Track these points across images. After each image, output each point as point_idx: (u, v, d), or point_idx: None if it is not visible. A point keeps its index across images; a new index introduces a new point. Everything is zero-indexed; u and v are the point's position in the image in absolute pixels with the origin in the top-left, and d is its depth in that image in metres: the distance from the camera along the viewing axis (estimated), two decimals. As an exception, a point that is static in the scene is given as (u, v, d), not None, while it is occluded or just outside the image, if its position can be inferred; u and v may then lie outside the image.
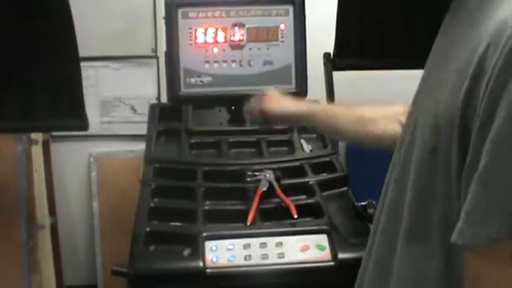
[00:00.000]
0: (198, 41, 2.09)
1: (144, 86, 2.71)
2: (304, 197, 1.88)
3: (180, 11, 2.07)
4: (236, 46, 2.11)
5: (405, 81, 2.29)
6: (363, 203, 1.79)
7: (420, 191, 0.84)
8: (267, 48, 2.12)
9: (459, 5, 0.87)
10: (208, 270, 1.58)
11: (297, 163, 2.03)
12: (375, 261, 0.96)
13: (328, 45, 2.28)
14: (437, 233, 0.81)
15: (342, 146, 2.70)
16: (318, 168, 2.01)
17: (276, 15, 2.11)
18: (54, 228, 2.65)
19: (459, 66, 0.78)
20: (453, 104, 0.77)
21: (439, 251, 0.81)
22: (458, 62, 0.79)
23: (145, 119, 2.31)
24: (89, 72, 2.61)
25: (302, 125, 1.77)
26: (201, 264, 1.58)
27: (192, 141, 2.13)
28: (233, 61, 2.12)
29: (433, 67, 0.89)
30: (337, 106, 1.61)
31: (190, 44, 2.09)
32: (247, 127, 2.19)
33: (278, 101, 1.64)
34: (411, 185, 0.86)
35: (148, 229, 1.70)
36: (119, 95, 2.72)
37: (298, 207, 1.77)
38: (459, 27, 0.84)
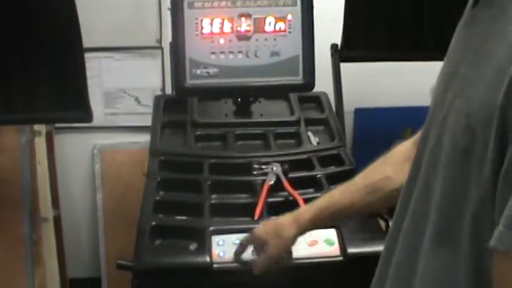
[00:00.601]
0: (204, 31, 2.06)
1: (148, 77, 2.68)
2: (311, 190, 1.85)
3: (185, 1, 2.03)
4: (243, 37, 2.08)
5: (413, 74, 2.29)
6: (371, 197, 1.76)
7: (450, 193, 0.81)
8: (274, 39, 2.09)
9: None
10: (215, 265, 1.56)
11: (304, 156, 2.00)
12: (397, 264, 0.93)
13: (336, 36, 2.25)
14: (467, 237, 0.78)
15: (349, 138, 2.68)
16: (325, 161, 1.98)
17: (284, 5, 2.08)
18: (57, 221, 2.62)
19: (496, 62, 0.74)
20: (490, 103, 0.73)
21: (468, 256, 0.78)
22: (495, 59, 0.74)
23: (150, 110, 2.29)
24: (93, 64, 2.57)
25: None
26: (208, 259, 1.56)
27: (198, 133, 2.11)
28: (240, 52, 2.09)
29: (460, 63, 0.84)
30: (331, 193, 1.43)
31: (196, 35, 2.06)
32: (254, 119, 2.19)
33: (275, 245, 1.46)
34: (440, 186, 0.83)
35: (154, 223, 1.68)
36: (123, 86, 2.69)
37: (306, 201, 1.74)
38: (492, 21, 0.80)
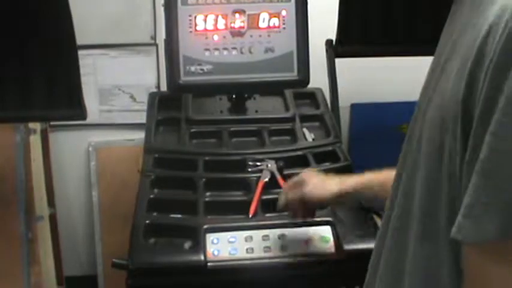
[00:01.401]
0: (198, 28, 2.05)
1: (143, 74, 2.66)
2: (307, 187, 1.84)
3: (179, -3, 2.02)
4: (237, 33, 2.07)
5: (409, 69, 2.28)
6: (366, 193, 1.75)
7: (429, 189, 0.81)
8: (268, 35, 2.08)
9: None
10: (209, 264, 1.55)
11: (299, 152, 1.99)
12: (386, 262, 0.93)
13: (331, 31, 2.24)
14: (445, 233, 0.78)
15: (345, 134, 2.67)
16: (320, 158, 1.97)
17: (278, 1, 2.06)
18: (53, 219, 2.62)
19: (462, 56, 0.74)
20: (455, 97, 0.73)
21: (448, 252, 0.78)
22: (462, 52, 0.75)
23: (145, 107, 2.28)
24: (87, 61, 2.57)
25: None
26: (202, 257, 1.55)
27: (192, 130, 2.10)
28: (234, 48, 2.07)
29: (440, 58, 0.84)
30: (380, 171, 1.41)
31: (190, 31, 2.04)
32: (249, 116, 2.18)
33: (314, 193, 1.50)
34: (420, 183, 0.83)
35: (148, 221, 1.67)
36: (118, 83, 2.68)
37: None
38: (463, 15, 0.81)
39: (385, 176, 1.34)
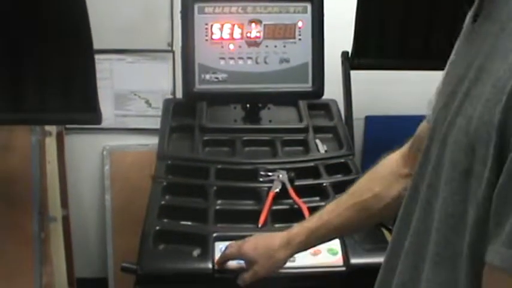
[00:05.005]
0: (214, 36, 2.07)
1: (159, 81, 2.68)
2: (317, 198, 1.85)
3: (196, 6, 2.04)
4: (252, 43, 2.08)
5: (424, 83, 2.28)
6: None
7: (450, 214, 0.79)
8: (284, 46, 2.09)
9: (489, 14, 0.82)
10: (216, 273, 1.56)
11: (311, 164, 2.00)
12: (400, 284, 0.91)
13: (347, 43, 2.25)
14: (466, 258, 0.76)
15: (358, 146, 2.67)
16: (332, 170, 1.98)
17: (294, 12, 2.08)
18: (66, 221, 2.63)
19: (495, 80, 0.72)
20: (488, 122, 0.71)
21: (468, 277, 0.77)
22: (494, 76, 0.73)
23: (160, 113, 2.30)
24: (104, 65, 2.59)
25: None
26: (210, 266, 1.56)
27: (206, 138, 2.11)
28: (249, 58, 2.09)
29: (461, 80, 0.82)
30: (321, 213, 1.37)
31: (206, 40, 2.06)
32: (262, 126, 2.18)
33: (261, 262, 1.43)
34: (440, 206, 0.81)
35: (158, 228, 1.68)
36: (134, 88, 2.70)
37: (311, 210, 1.74)
38: (492, 38, 0.79)
39: (339, 216, 1.33)
